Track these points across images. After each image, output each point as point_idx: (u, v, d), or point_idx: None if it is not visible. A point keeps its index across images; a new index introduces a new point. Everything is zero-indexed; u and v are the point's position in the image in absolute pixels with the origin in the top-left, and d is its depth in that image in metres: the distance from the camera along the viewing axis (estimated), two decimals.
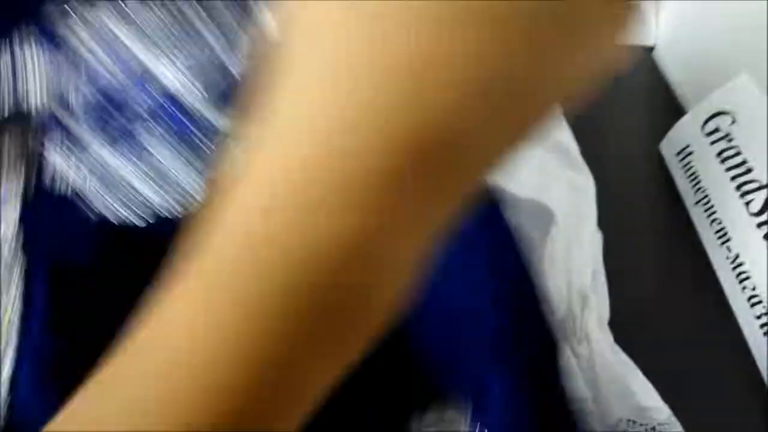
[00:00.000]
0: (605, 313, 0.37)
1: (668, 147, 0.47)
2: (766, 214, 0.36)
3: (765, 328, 0.35)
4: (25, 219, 0.22)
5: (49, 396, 0.21)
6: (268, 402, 0.13)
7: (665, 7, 0.56)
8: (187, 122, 0.22)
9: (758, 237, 0.36)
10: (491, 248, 0.26)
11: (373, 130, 0.12)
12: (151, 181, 0.23)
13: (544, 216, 0.39)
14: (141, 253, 0.19)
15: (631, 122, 0.51)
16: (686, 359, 0.37)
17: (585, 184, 0.43)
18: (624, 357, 0.36)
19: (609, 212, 0.42)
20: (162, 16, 0.23)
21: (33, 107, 0.22)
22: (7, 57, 0.23)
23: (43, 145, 0.22)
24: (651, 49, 0.57)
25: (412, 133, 0.12)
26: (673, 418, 0.34)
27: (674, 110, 0.49)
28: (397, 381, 0.24)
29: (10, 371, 0.21)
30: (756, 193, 0.37)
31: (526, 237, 0.40)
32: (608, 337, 0.37)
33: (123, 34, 0.22)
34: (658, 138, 0.48)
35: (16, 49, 0.23)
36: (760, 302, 0.36)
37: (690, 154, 0.44)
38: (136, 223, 0.22)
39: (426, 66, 0.12)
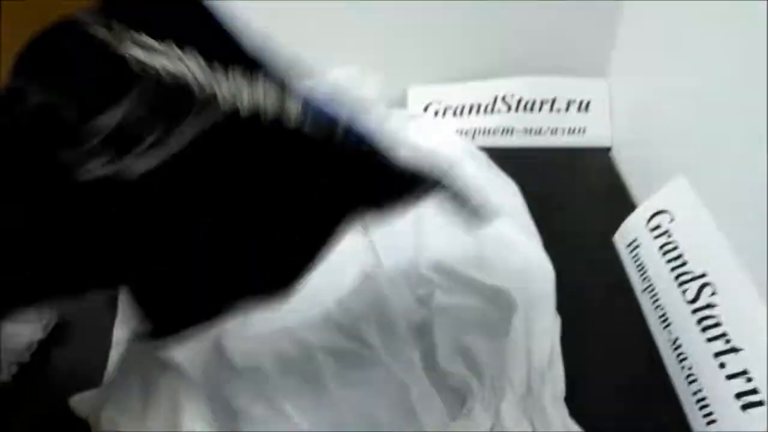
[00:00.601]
0: (560, 389, 0.42)
1: (620, 239, 0.52)
2: (698, 301, 0.41)
3: (700, 403, 0.40)
4: None
5: None
6: None
7: (620, 113, 0.63)
8: None
9: (692, 322, 0.41)
10: None
11: None
12: None
13: (508, 302, 0.44)
14: None
15: (590, 215, 0.57)
16: None
17: (545, 271, 0.48)
18: (576, 429, 0.40)
19: (567, 297, 0.47)
20: None
21: None
22: None
23: None
24: (608, 150, 0.64)
25: None
26: None
27: (628, 206, 0.55)
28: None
29: None
30: (690, 283, 0.43)
31: (490, 320, 0.45)
32: (563, 411, 0.41)
33: None
34: (613, 231, 0.54)
35: None
36: (695, 381, 0.40)
37: (638, 246, 0.49)
38: None
39: None
